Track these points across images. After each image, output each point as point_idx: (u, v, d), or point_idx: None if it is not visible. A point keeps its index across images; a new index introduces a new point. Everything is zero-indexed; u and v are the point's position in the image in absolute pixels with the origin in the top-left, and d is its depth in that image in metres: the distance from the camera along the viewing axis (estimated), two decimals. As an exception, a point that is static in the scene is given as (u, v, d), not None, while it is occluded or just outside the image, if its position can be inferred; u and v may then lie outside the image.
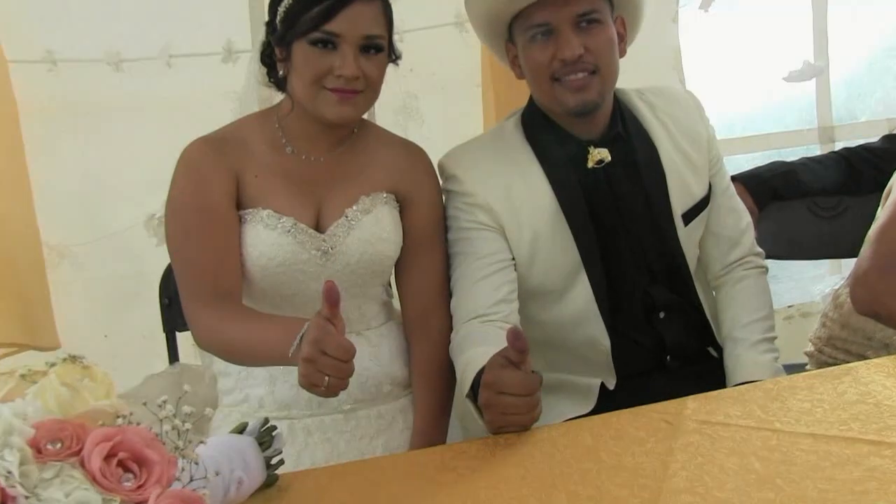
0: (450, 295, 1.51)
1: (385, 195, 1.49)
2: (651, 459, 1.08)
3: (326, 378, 1.13)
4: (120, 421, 0.79)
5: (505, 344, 1.17)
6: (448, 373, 1.46)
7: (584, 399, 1.51)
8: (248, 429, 1.11)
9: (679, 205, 1.55)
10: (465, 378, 1.31)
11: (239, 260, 1.41)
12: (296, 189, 1.44)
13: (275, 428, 1.13)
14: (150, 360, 1.70)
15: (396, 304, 1.59)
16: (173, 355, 1.72)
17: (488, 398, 1.18)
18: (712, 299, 1.65)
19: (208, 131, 1.46)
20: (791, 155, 2.14)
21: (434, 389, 1.49)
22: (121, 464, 0.76)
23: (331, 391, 1.15)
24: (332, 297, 1.12)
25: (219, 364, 1.52)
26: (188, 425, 0.80)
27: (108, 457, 0.74)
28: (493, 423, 1.20)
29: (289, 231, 1.41)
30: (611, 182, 1.52)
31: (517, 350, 1.16)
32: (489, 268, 1.49)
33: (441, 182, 1.56)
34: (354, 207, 1.45)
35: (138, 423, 0.79)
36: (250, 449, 1.07)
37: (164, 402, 0.80)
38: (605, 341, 1.51)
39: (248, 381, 1.49)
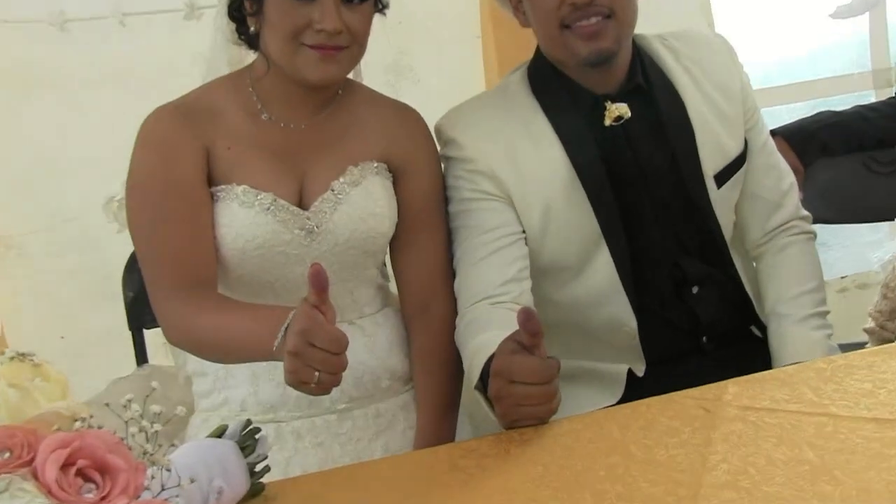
0: (453, 275, 1.51)
1: (376, 165, 1.49)
2: (687, 452, 1.07)
3: (316, 373, 1.13)
4: (78, 424, 0.78)
5: (517, 328, 1.17)
6: (454, 363, 1.46)
7: (609, 388, 1.51)
8: (228, 432, 1.11)
9: (711, 165, 1.54)
10: (472, 367, 1.31)
11: (212, 243, 1.41)
12: (274, 161, 1.44)
13: (258, 430, 1.13)
14: (115, 362, 1.70)
15: (393, 287, 1.59)
16: (141, 356, 1.72)
17: (499, 388, 1.17)
18: (752, 271, 1.65)
19: (171, 99, 1.45)
20: (841, 104, 2.12)
21: (439, 382, 1.49)
22: (80, 473, 0.75)
23: (322, 388, 1.14)
24: (319, 282, 1.12)
25: (194, 363, 1.52)
26: (157, 426, 0.79)
27: (65, 466, 0.74)
28: (506, 417, 1.20)
29: (268, 208, 1.41)
30: (631, 141, 1.52)
31: (530, 333, 1.15)
32: (496, 243, 1.48)
33: (439, 148, 1.55)
34: (341, 179, 1.45)
35: (100, 427, 0.78)
36: (231, 454, 1.06)
37: (129, 401, 0.79)
38: (630, 322, 1.51)
39: (228, 382, 1.49)
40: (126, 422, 0.79)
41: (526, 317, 1.15)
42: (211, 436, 1.11)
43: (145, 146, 1.41)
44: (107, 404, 0.79)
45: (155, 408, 0.81)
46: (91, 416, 0.77)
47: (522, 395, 1.17)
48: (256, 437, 1.13)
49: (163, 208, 1.38)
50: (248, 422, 1.14)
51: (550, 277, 1.54)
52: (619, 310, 1.51)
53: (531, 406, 1.18)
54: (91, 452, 0.75)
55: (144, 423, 0.79)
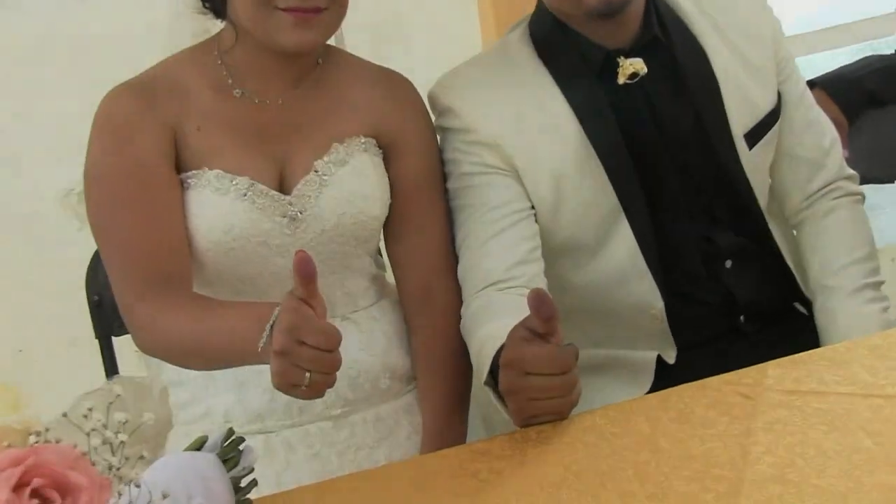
0: (456, 260, 1.52)
1: (363, 140, 1.49)
2: (726, 444, 1.07)
3: (307, 374, 1.12)
4: (33, 439, 0.78)
5: (529, 314, 1.16)
6: (460, 357, 1.46)
7: (637, 379, 1.52)
8: (208, 444, 1.11)
9: (740, 123, 1.54)
10: (481, 360, 1.30)
11: (184, 236, 1.41)
12: (250, 141, 1.43)
13: (242, 440, 1.13)
14: (82, 375, 1.70)
15: (390, 277, 1.59)
16: (111, 367, 1.72)
17: (512, 381, 1.17)
18: (793, 241, 1.65)
19: (132, 76, 1.45)
20: (889, 47, 2.11)
21: (444, 379, 1.49)
22: (36, 493, 0.75)
23: (314, 390, 1.14)
24: (305, 271, 1.11)
25: (170, 372, 1.52)
26: (122, 436, 0.79)
27: (18, 486, 0.74)
28: (521, 413, 1.19)
29: (244, 194, 1.40)
30: (650, 100, 1.52)
31: (543, 317, 1.15)
32: (503, 221, 1.48)
33: (434, 118, 1.55)
34: (325, 159, 1.45)
35: (58, 441, 0.78)
36: (211, 468, 1.06)
37: (91, 410, 0.79)
38: (657, 303, 1.51)
39: (209, 390, 1.49)
40: (87, 433, 0.78)
41: (538, 300, 1.14)
42: (189, 448, 1.10)
43: (102, 131, 1.41)
44: (64, 414, 0.78)
45: (119, 416, 0.80)
46: (47, 430, 0.77)
47: (538, 387, 1.16)
48: (240, 447, 1.12)
49: (125, 199, 1.38)
50: (231, 431, 1.13)
51: (566, 257, 1.53)
52: (644, 291, 1.51)
53: (548, 400, 1.17)
54: (48, 470, 0.75)
55: (108, 433, 0.78)
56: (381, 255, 1.61)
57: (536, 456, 1.14)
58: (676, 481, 1.02)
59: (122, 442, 0.80)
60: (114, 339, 1.73)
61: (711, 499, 0.98)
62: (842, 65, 1.97)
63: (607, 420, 1.18)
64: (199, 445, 1.11)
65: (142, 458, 0.84)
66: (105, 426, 0.80)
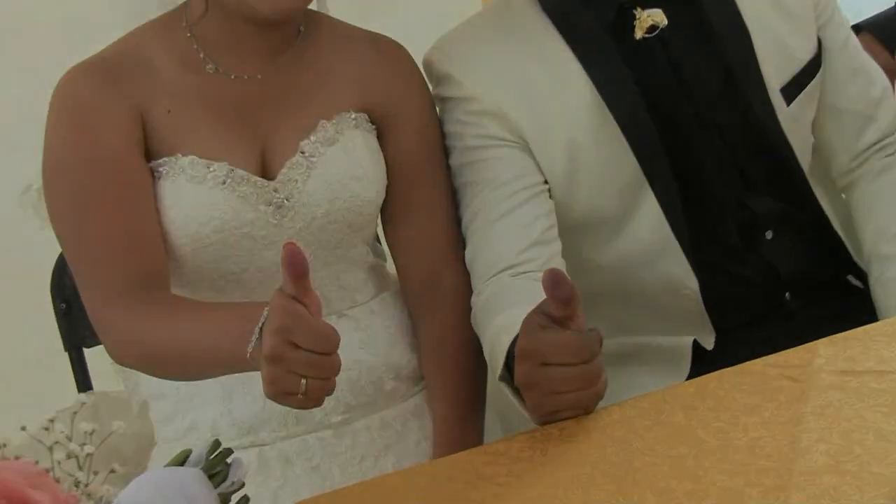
0: (463, 244, 1.52)
1: (354, 116, 1.49)
2: (772, 433, 1.06)
3: (303, 381, 1.12)
4: (-10, 456, 0.78)
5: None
6: (472, 350, 1.47)
7: (671, 368, 1.51)
8: (192, 457, 1.10)
9: (776, 76, 1.54)
10: (495, 353, 1.30)
11: (158, 231, 1.42)
12: (227, 122, 1.44)
13: (230, 452, 1.13)
14: (51, 391, 1.70)
15: (390, 266, 1.60)
16: (83, 381, 1.72)
17: (528, 374, 1.16)
18: (843, 205, 1.64)
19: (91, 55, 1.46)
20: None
21: (456, 376, 1.49)
22: (-5, 515, 0.75)
23: (311, 399, 1.14)
24: (296, 265, 1.11)
25: (149, 384, 1.52)
26: (89, 448, 0.79)
27: (-26, 507, 0.73)
28: (541, 409, 1.18)
29: (223, 182, 1.41)
30: (671, 55, 1.52)
31: (560, 301, 1.14)
32: (514, 198, 1.48)
33: (431, 87, 1.56)
34: (312, 138, 1.45)
35: (17, 458, 0.77)
36: (196, 484, 1.05)
37: (52, 422, 0.79)
38: (690, 282, 1.51)
39: (194, 401, 1.49)
40: (50, 447, 0.78)
41: (553, 280, 1.13)
42: (171, 463, 1.10)
43: (61, 117, 1.41)
44: (23, 428, 0.78)
45: (84, 426, 0.80)
46: (4, 446, 0.77)
47: (558, 379, 1.15)
48: (228, 460, 1.12)
49: (91, 193, 1.39)
50: (217, 443, 1.13)
51: (585, 235, 1.53)
52: (674, 268, 1.51)
53: (571, 392, 1.16)
54: (6, 489, 0.75)
55: (73, 445, 0.78)
56: (379, 243, 1.61)
57: (560, 455, 1.13)
58: (718, 476, 1.02)
59: (88, 454, 0.80)
60: (85, 350, 1.73)
61: (758, 494, 0.97)
62: (891, 5, 1.95)
63: (638, 412, 1.17)
64: (181, 460, 1.10)
65: (113, 471, 0.84)
66: (69, 438, 0.79)
